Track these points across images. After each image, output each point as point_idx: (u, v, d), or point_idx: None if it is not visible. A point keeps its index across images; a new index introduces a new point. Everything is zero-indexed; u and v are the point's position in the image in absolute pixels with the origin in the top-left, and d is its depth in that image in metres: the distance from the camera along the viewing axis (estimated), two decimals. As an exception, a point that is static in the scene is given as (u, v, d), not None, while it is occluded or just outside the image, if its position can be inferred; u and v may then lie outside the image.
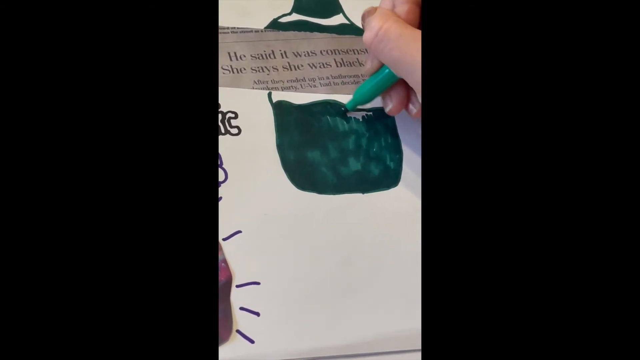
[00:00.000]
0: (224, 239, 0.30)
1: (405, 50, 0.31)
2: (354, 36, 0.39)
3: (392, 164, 0.35)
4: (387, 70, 0.33)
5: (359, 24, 0.39)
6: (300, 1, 0.39)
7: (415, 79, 0.31)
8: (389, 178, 0.34)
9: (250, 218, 0.31)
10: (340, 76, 0.37)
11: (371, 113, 0.36)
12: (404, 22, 0.32)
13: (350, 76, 0.37)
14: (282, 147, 0.34)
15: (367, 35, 0.32)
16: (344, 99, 0.36)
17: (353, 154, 0.34)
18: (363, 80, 0.36)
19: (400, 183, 0.34)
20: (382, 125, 0.36)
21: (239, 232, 0.31)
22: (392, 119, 0.36)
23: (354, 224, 0.32)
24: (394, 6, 0.32)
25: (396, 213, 0.33)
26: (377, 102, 0.36)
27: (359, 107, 0.36)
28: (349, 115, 0.36)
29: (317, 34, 0.38)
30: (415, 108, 0.35)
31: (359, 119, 0.36)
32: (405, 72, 0.32)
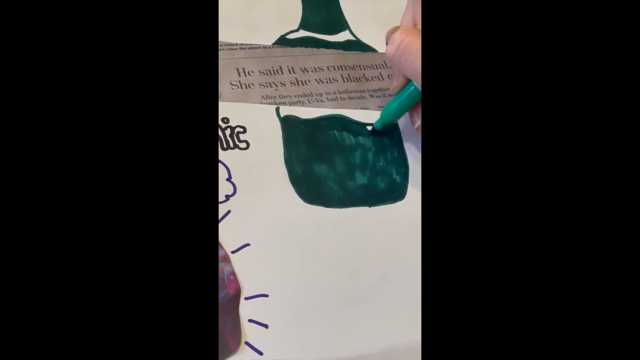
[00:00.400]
0: (233, 252, 0.31)
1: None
2: (360, 52, 0.39)
3: (398, 178, 0.35)
4: (412, 87, 0.33)
5: (365, 40, 0.40)
6: (307, 18, 0.40)
7: None
8: (395, 192, 0.35)
9: (259, 231, 0.32)
10: (347, 91, 0.37)
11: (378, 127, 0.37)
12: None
13: (357, 91, 0.38)
14: (290, 161, 0.34)
15: (390, 49, 0.32)
16: (351, 113, 0.37)
17: (359, 167, 0.35)
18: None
19: (407, 197, 0.35)
20: (388, 139, 0.36)
21: (248, 244, 0.31)
22: (398, 132, 0.37)
23: (361, 237, 0.33)
24: (415, 24, 0.33)
25: (402, 226, 0.33)
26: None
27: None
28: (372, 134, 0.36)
29: (323, 50, 0.39)
30: None
31: (365, 134, 0.36)
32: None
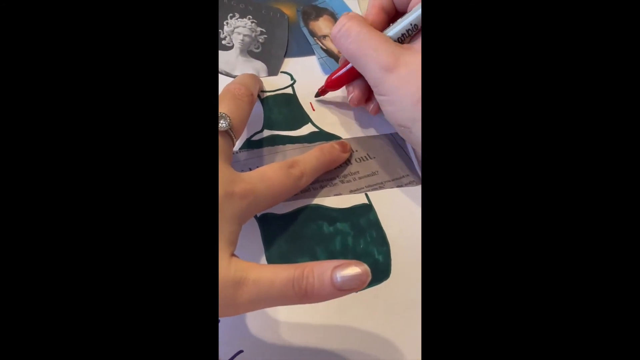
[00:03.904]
0: (227, 362, 0.31)
1: (360, 46, 0.35)
2: (324, 142, 0.41)
3: (380, 257, 0.35)
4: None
5: (328, 129, 0.41)
6: (269, 118, 0.41)
7: (367, 74, 0.36)
8: (380, 272, 0.35)
9: (251, 336, 0.31)
10: (317, 181, 0.38)
11: (354, 210, 0.37)
12: (367, 23, 0.37)
13: (328, 179, 0.39)
14: (272, 260, 0.35)
15: (333, 30, 0.37)
16: (325, 201, 0.38)
17: (341, 254, 0.35)
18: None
19: (391, 275, 0.35)
20: (365, 220, 0.37)
21: (241, 351, 0.31)
22: (374, 212, 0.37)
23: (352, 325, 0.33)
24: (382, 7, 0.38)
25: (392, 306, 0.33)
26: (356, 200, 0.38)
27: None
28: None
29: (289, 146, 0.40)
30: (371, 104, 0.40)
31: (342, 220, 0.37)
32: (359, 66, 0.37)
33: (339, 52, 0.44)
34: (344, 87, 0.42)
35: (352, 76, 0.40)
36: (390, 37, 0.36)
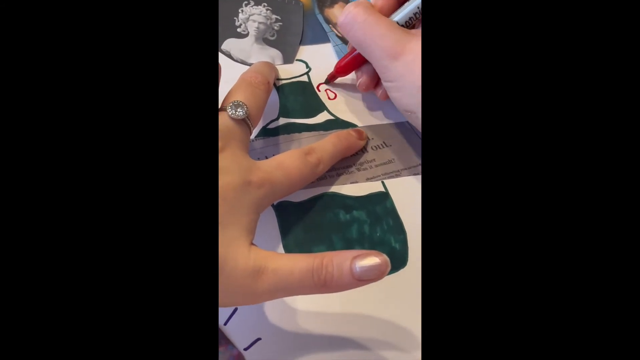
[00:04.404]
0: (245, 349, 0.31)
1: (366, 33, 0.35)
2: (340, 130, 0.40)
3: (397, 245, 0.35)
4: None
5: (343, 117, 0.41)
6: (285, 106, 0.41)
7: (374, 62, 0.36)
8: (397, 260, 0.35)
9: (268, 324, 0.32)
10: (334, 169, 0.38)
11: (370, 198, 0.37)
12: (374, 10, 0.36)
13: (344, 167, 0.39)
14: (289, 248, 0.35)
15: (340, 18, 0.37)
16: (341, 189, 0.38)
17: (358, 242, 0.35)
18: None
19: (408, 263, 0.35)
20: (381, 208, 0.37)
21: (259, 339, 0.31)
22: (391, 200, 0.37)
23: (369, 313, 0.33)
24: None
25: (409, 294, 0.33)
26: (372, 187, 0.38)
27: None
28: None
29: (305, 134, 0.40)
30: (380, 89, 0.39)
31: (358, 208, 0.37)
32: (366, 53, 0.37)
33: None
34: (354, 73, 0.42)
35: (361, 61, 0.40)
36: (397, 22, 0.36)
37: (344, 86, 0.43)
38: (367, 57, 0.37)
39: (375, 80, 0.40)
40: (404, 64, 0.34)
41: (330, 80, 0.43)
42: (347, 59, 0.40)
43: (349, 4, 0.37)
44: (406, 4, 0.37)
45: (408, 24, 0.37)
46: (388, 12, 0.37)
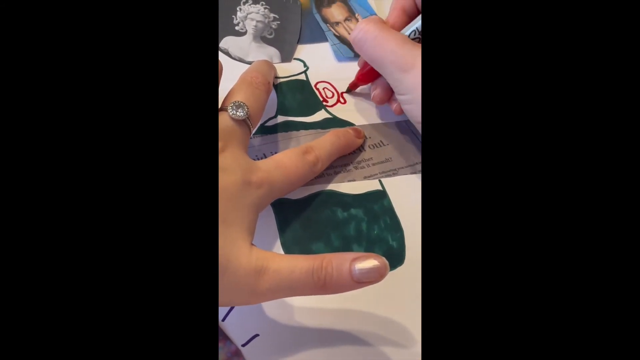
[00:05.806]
0: (243, 345, 0.31)
1: (378, 49, 0.36)
2: (338, 128, 0.40)
3: (394, 243, 0.36)
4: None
5: (341, 115, 0.41)
6: (283, 104, 0.41)
7: (387, 76, 0.37)
8: (394, 258, 0.35)
9: (266, 320, 0.32)
10: (332, 167, 0.38)
11: (367, 197, 0.37)
12: (385, 26, 0.37)
13: (341, 165, 0.39)
14: (287, 245, 0.35)
15: (352, 34, 0.37)
16: (339, 187, 0.38)
17: (355, 239, 0.35)
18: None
19: (406, 261, 0.35)
20: (379, 206, 0.37)
21: (257, 335, 0.31)
22: (388, 199, 0.37)
23: (366, 310, 0.33)
24: (404, 9, 0.38)
25: (406, 291, 0.34)
26: (370, 186, 0.38)
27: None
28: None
29: (303, 132, 0.40)
30: (394, 103, 0.40)
31: (356, 207, 0.37)
32: (378, 67, 0.37)
33: None
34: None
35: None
36: (408, 36, 0.37)
37: (361, 95, 0.43)
38: (380, 72, 0.37)
39: (390, 94, 0.40)
40: (415, 76, 0.34)
41: (351, 89, 0.43)
42: (368, 67, 0.40)
43: (361, 21, 0.37)
44: (417, 18, 0.37)
45: (419, 38, 0.37)
46: (399, 27, 0.38)
